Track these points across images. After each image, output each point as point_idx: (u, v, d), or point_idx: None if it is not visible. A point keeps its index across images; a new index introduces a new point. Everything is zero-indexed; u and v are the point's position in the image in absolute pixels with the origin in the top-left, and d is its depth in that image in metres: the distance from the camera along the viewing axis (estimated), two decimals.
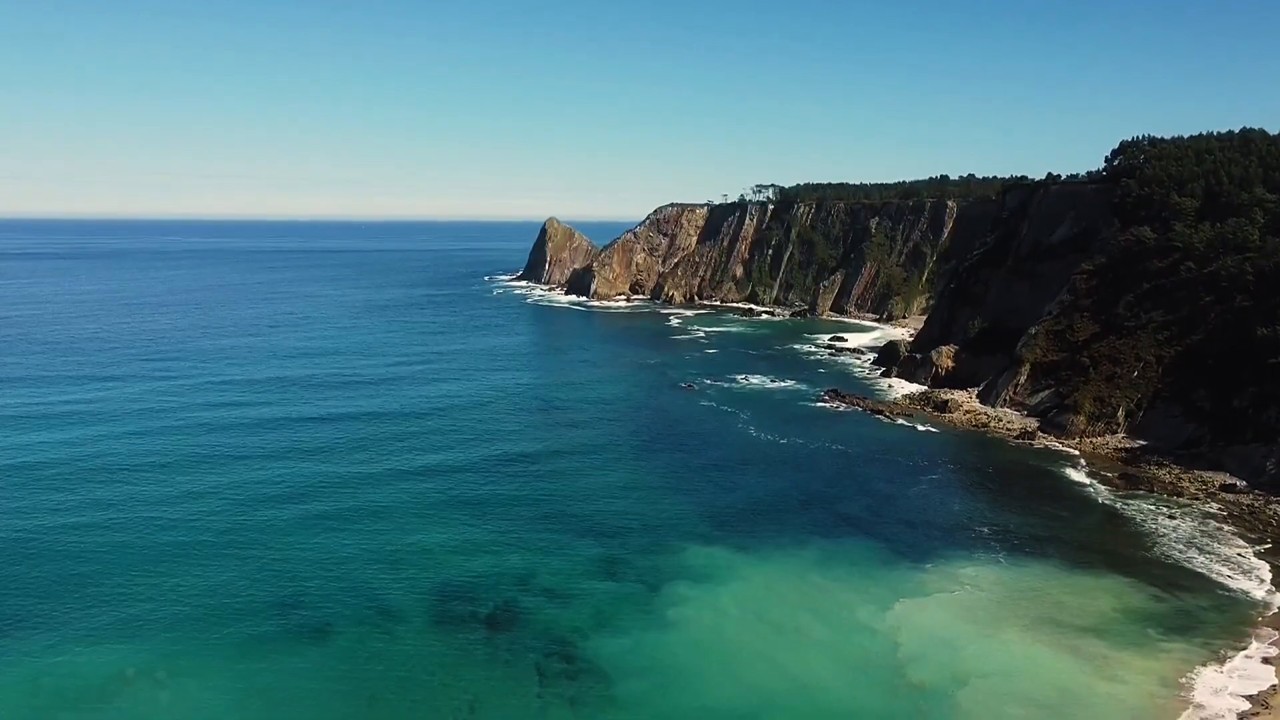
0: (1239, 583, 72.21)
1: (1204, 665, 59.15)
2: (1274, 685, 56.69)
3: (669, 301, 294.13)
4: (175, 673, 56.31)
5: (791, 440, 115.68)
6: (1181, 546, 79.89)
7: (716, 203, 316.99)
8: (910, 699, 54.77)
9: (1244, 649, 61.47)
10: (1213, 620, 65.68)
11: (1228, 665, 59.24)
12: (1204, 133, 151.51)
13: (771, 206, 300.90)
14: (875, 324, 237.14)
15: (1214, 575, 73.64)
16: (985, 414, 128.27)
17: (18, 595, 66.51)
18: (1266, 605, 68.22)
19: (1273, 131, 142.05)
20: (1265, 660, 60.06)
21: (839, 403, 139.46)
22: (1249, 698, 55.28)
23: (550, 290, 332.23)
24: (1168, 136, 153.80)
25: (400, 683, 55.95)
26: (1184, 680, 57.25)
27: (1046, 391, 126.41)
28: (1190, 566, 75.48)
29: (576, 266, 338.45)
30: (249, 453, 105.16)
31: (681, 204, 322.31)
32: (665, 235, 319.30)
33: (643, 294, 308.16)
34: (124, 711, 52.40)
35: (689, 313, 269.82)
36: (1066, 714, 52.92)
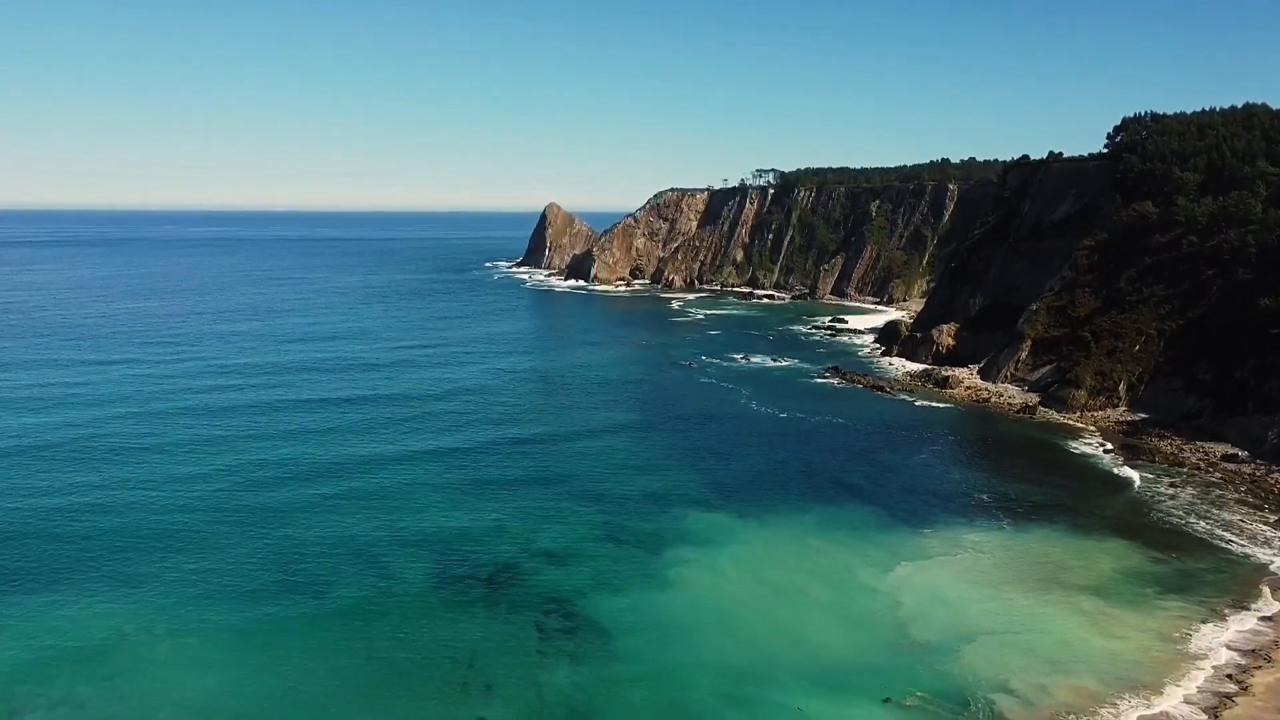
0: (1239, 547, 72.12)
1: (1203, 622, 59.20)
2: (1274, 640, 56.70)
3: (669, 286, 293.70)
4: (174, 629, 56.41)
5: (792, 415, 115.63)
6: (1182, 513, 79.90)
7: (717, 187, 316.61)
8: (913, 654, 54.70)
9: (1242, 608, 61.46)
10: (1212, 581, 65.66)
11: (1226, 623, 59.23)
12: (1207, 108, 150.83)
13: (772, 190, 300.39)
14: (876, 307, 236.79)
15: (1214, 540, 73.61)
16: (986, 390, 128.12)
17: (19, 571, 65.77)
18: (1266, 568, 68.15)
19: (1275, 106, 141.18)
20: (1264, 618, 60.04)
21: (840, 380, 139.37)
22: (1247, 653, 55.30)
23: (550, 275, 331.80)
24: (1170, 112, 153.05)
25: (399, 638, 55.96)
26: (1181, 635, 57.35)
27: (1048, 367, 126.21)
28: (1191, 532, 75.49)
29: (576, 252, 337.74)
30: (252, 434, 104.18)
31: (682, 189, 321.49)
32: (665, 220, 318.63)
33: (643, 278, 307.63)
34: (123, 665, 52.38)
35: (689, 296, 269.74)
36: (1066, 667, 52.95)
